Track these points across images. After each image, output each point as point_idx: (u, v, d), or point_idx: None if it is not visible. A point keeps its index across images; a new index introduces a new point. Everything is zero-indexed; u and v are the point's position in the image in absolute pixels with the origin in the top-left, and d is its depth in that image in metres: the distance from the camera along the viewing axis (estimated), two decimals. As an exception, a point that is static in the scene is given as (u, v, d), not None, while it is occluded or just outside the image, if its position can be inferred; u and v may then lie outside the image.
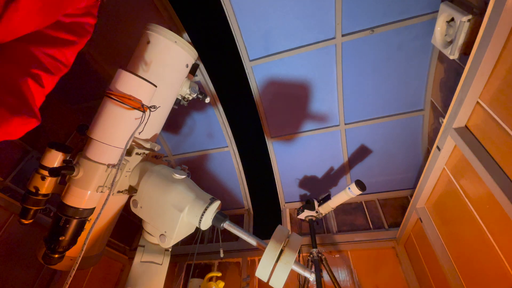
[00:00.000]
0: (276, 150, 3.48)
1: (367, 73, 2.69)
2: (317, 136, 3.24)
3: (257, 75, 2.87)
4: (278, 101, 3.06)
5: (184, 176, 1.23)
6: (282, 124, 3.25)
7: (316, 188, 3.64)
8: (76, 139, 1.33)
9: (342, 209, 3.50)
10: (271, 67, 2.79)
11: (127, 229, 3.81)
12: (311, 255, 2.45)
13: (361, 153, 3.28)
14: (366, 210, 3.41)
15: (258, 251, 3.21)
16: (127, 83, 1.09)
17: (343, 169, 3.43)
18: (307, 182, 3.64)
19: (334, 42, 2.50)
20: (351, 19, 2.36)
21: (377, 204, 3.40)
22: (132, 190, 1.39)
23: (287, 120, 3.20)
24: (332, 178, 3.54)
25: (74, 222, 1.13)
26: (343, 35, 2.45)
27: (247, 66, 2.79)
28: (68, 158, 1.34)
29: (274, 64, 2.76)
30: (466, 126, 1.61)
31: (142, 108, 1.13)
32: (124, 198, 1.50)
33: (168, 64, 1.54)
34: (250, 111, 3.25)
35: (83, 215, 1.15)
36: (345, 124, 3.06)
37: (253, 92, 3.00)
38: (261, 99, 3.04)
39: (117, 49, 2.74)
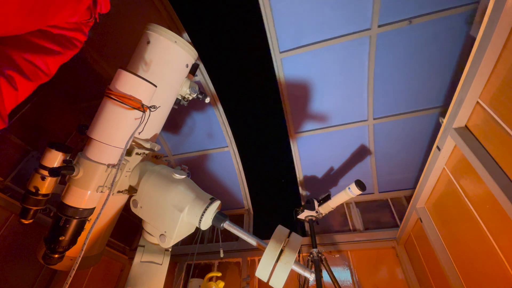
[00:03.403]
0: (299, 146, 3.41)
1: (399, 66, 2.62)
2: (342, 131, 3.17)
3: (285, 67, 2.80)
4: (305, 95, 2.98)
5: (184, 176, 1.23)
6: (307, 119, 3.17)
7: (340, 186, 3.57)
8: (76, 139, 1.34)
9: (366, 207, 3.49)
10: (300, 59, 2.72)
11: (127, 229, 3.81)
12: (311, 255, 2.44)
13: (389, 149, 3.19)
14: (392, 207, 3.38)
15: (258, 251, 3.21)
16: (127, 83, 1.09)
17: (368, 166, 3.35)
18: (328, 178, 3.58)
19: (369, 33, 2.44)
20: (389, 9, 2.30)
21: (404, 201, 3.38)
22: (132, 190, 1.39)
23: (312, 115, 3.12)
24: (356, 176, 3.46)
25: (74, 222, 1.13)
26: (379, 26, 2.38)
27: (277, 58, 2.72)
28: (68, 158, 1.34)
29: (303, 56, 2.69)
30: (466, 126, 1.61)
31: (142, 108, 1.13)
32: (124, 198, 1.50)
33: (168, 64, 1.54)
34: (254, 110, 3.24)
35: (83, 215, 1.15)
36: (374, 119, 2.99)
37: (279, 86, 2.93)
38: (288, 92, 2.96)
39: (117, 49, 2.73)
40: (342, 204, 3.52)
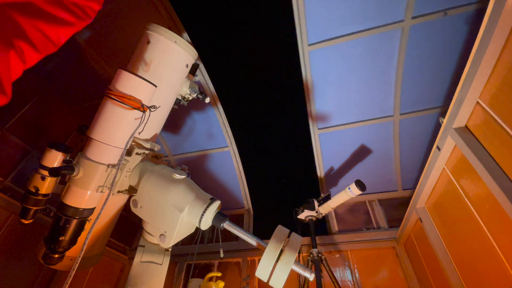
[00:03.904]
0: (322, 143, 3.34)
1: (429, 59, 2.55)
2: (366, 127, 3.10)
3: (312, 60, 2.74)
4: (329, 89, 2.93)
5: (184, 176, 1.23)
6: (330, 114, 3.11)
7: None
8: (76, 139, 1.33)
9: (389, 205, 3.41)
10: (327, 53, 2.67)
11: (127, 229, 3.81)
12: (311, 255, 2.44)
13: (414, 146, 3.11)
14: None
15: (258, 251, 3.21)
16: (127, 83, 1.09)
17: (392, 162, 3.28)
18: (350, 175, 3.51)
19: (402, 25, 2.38)
20: (424, 0, 2.24)
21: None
22: (132, 190, 1.39)
23: (336, 110, 3.06)
24: (379, 173, 3.40)
25: (74, 222, 1.13)
26: (413, 18, 2.32)
27: (304, 51, 2.66)
28: (68, 158, 1.34)
29: (331, 49, 2.64)
30: (466, 126, 1.61)
31: (142, 108, 1.13)
32: (124, 198, 1.50)
33: (168, 64, 1.54)
34: (254, 110, 3.23)
35: (83, 215, 1.15)
36: (400, 114, 2.92)
37: (304, 79, 2.86)
38: (312, 86, 2.90)
39: (117, 49, 2.74)
40: (364, 202, 3.49)
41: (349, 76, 2.81)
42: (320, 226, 3.51)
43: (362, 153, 3.34)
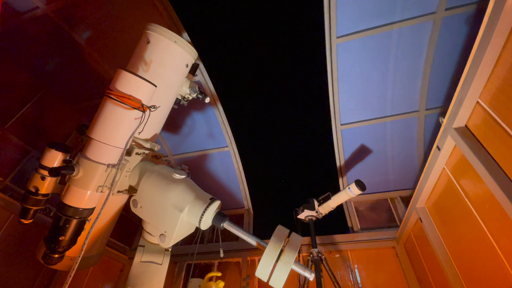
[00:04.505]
0: (344, 139, 3.27)
1: (460, 52, 2.48)
2: (391, 123, 3.04)
3: (339, 54, 2.69)
4: (355, 84, 2.87)
5: (184, 176, 1.23)
6: (354, 110, 3.05)
7: (386, 181, 3.44)
8: (76, 139, 1.33)
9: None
10: (354, 46, 2.62)
11: (127, 229, 3.81)
12: (311, 255, 2.44)
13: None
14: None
15: (258, 251, 3.21)
16: (127, 83, 1.09)
17: (416, 159, 3.20)
18: (373, 173, 3.46)
19: (433, 17, 2.31)
20: None
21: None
22: (132, 190, 1.39)
23: (360, 105, 2.99)
24: (402, 170, 3.33)
25: (74, 222, 1.13)
26: (446, 9, 2.26)
27: (332, 43, 2.62)
28: (68, 158, 1.34)
29: (358, 42, 2.59)
30: (466, 126, 1.61)
31: (142, 108, 1.13)
32: (124, 198, 1.50)
33: (168, 64, 1.54)
34: (254, 110, 3.22)
35: (83, 215, 1.15)
36: (426, 109, 2.85)
37: (329, 73, 2.82)
38: (338, 80, 2.85)
39: (117, 49, 2.73)
40: (386, 199, 3.45)
41: (375, 69, 2.73)
42: (340, 224, 3.46)
43: (384, 149, 3.26)
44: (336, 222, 3.02)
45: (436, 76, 2.66)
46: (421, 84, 2.73)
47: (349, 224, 3.45)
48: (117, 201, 1.50)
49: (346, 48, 2.66)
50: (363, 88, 2.90)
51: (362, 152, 3.35)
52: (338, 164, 3.48)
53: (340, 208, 2.77)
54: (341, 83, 2.87)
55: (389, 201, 3.45)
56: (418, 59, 2.59)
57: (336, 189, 3.57)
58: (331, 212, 2.78)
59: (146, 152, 1.41)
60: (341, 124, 3.15)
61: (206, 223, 1.11)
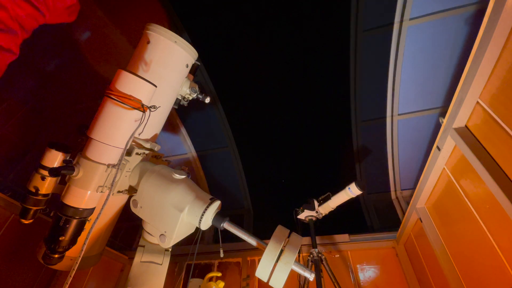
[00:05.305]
0: (363, 137, 3.18)
1: (459, 52, 2.40)
2: (412, 120, 2.95)
3: (364, 47, 2.55)
4: (377, 79, 2.77)
5: (184, 176, 1.23)
6: (375, 106, 2.95)
7: (407, 179, 3.35)
8: (76, 139, 1.33)
9: None
10: (383, 38, 2.48)
11: (127, 229, 3.81)
12: (311, 255, 2.44)
13: None
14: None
15: (258, 251, 3.20)
16: (127, 83, 1.09)
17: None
18: (390, 172, 3.38)
19: (476, 7, 2.15)
20: None
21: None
22: (132, 190, 1.39)
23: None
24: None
25: (74, 222, 1.13)
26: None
27: (358, 37, 2.49)
28: (68, 158, 1.34)
29: (389, 35, 2.44)
30: (466, 126, 1.61)
31: (142, 108, 1.13)
32: (124, 198, 1.50)
33: (168, 64, 1.54)
34: (254, 110, 3.19)
35: (83, 215, 1.15)
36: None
37: (352, 68, 2.72)
38: (360, 74, 2.75)
39: (117, 49, 2.74)
40: None
41: (403, 63, 2.61)
42: (358, 221, 3.41)
43: (406, 148, 3.16)
44: (336, 222, 3.03)
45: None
46: (450, 80, 2.61)
47: (368, 223, 3.40)
48: (117, 201, 1.50)
49: (371, 40, 2.51)
50: (386, 83, 2.78)
51: (382, 151, 3.24)
52: (356, 163, 3.35)
53: (340, 208, 2.79)
54: (362, 76, 2.74)
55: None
56: (452, 52, 2.44)
57: (336, 189, 3.59)
58: (331, 212, 2.79)
59: (146, 152, 1.41)
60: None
61: (206, 223, 1.11)
